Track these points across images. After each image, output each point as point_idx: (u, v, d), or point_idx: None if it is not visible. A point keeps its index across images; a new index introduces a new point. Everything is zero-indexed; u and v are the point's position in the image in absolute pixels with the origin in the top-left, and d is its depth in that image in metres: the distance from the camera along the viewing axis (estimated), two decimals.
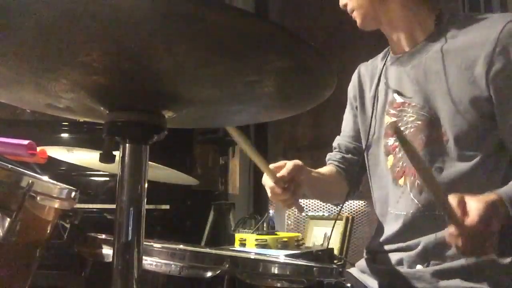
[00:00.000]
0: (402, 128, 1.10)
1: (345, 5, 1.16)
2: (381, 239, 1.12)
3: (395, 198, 1.10)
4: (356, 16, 1.14)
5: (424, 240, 1.01)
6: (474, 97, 0.97)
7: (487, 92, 0.96)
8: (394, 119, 1.13)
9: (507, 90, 0.95)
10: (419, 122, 1.06)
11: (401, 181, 1.09)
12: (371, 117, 1.19)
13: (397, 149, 1.11)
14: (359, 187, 1.33)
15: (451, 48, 1.02)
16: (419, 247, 1.02)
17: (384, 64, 1.19)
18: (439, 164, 1.02)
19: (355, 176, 1.29)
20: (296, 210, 1.13)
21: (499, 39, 0.94)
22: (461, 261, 0.96)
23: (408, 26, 1.10)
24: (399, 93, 1.12)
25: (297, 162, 1.10)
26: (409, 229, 1.05)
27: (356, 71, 1.32)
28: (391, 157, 1.13)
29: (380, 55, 1.26)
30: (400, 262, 1.05)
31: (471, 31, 1.00)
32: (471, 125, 0.98)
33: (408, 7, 1.09)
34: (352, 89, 1.32)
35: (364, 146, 1.23)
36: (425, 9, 1.09)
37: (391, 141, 1.13)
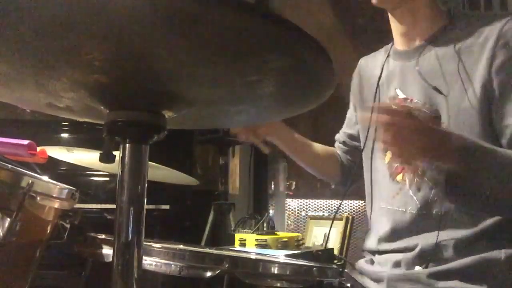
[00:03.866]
0: None
1: None
2: (377, 237, 1.12)
3: (391, 193, 1.09)
4: None
5: (422, 241, 1.01)
6: (473, 103, 0.97)
7: (490, 87, 0.95)
8: None
9: (509, 82, 0.95)
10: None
11: (399, 178, 1.08)
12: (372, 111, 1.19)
13: None
14: (347, 182, 1.35)
15: (456, 47, 1.01)
16: (417, 248, 1.01)
17: (387, 58, 1.18)
18: None
19: (347, 169, 1.35)
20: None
21: (500, 34, 0.94)
22: (460, 262, 0.96)
23: (423, 16, 1.09)
24: (401, 89, 1.11)
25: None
26: (405, 227, 1.05)
27: (358, 65, 1.33)
28: (389, 153, 1.13)
29: (382, 50, 1.25)
30: (398, 263, 1.05)
31: (474, 30, 1.00)
32: (471, 128, 0.98)
33: None
34: (353, 83, 1.33)
35: (363, 140, 1.23)
36: (438, 3, 1.09)
37: None
